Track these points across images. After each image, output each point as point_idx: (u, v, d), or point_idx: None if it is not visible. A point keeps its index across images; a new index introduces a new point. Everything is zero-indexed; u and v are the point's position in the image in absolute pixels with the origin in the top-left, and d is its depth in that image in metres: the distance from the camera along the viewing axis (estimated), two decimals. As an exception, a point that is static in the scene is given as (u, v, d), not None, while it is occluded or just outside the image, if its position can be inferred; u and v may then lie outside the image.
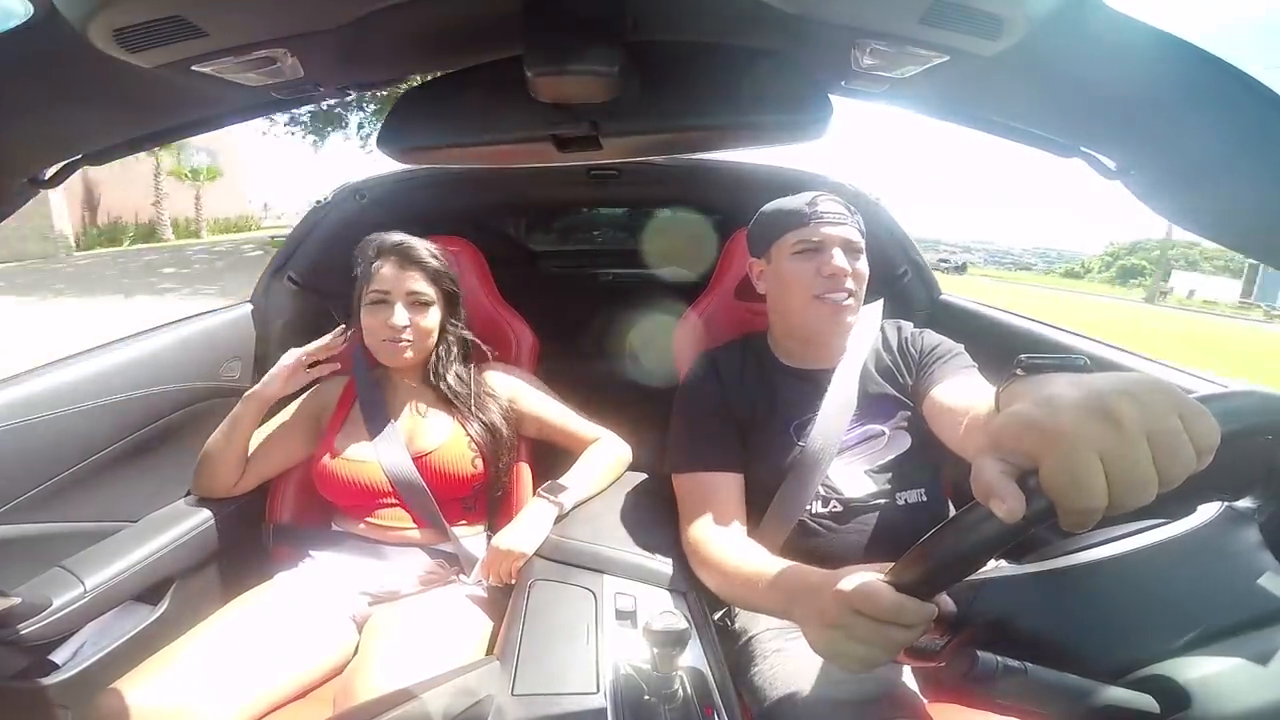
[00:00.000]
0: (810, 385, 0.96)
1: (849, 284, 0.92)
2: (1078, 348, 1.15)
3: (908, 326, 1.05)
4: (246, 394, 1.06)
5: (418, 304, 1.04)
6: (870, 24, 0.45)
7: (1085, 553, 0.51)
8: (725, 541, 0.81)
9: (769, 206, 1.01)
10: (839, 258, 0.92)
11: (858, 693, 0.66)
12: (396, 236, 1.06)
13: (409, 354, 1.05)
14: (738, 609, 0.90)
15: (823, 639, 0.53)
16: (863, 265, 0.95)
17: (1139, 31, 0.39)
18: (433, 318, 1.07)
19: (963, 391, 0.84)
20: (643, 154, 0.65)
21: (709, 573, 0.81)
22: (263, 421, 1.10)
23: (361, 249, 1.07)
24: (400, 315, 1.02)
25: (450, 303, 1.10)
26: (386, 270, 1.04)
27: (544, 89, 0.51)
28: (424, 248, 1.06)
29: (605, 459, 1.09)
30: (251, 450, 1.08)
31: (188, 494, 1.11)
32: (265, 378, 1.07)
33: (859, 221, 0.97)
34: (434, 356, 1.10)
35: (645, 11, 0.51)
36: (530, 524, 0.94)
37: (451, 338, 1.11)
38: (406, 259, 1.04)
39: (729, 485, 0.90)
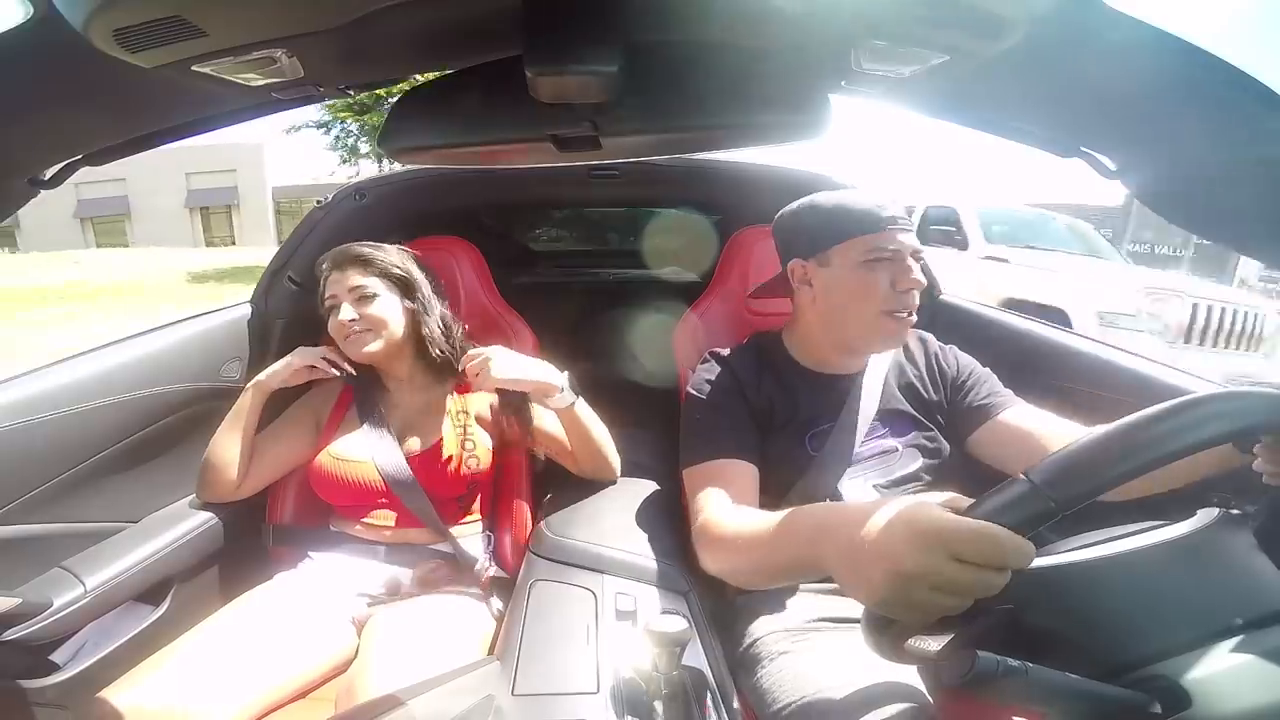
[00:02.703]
0: (831, 392, 0.94)
1: (917, 299, 0.88)
2: (1077, 348, 1.15)
3: (932, 341, 1.03)
4: (250, 384, 1.07)
5: (362, 298, 1.05)
6: (870, 24, 0.45)
7: (1086, 551, 0.51)
8: (738, 516, 0.76)
9: (824, 202, 0.92)
10: (915, 270, 0.86)
11: (866, 694, 0.65)
12: (341, 246, 1.09)
13: (369, 346, 1.05)
14: (740, 612, 0.89)
15: (879, 582, 0.45)
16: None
17: (1139, 31, 0.39)
18: (383, 306, 1.06)
19: (1033, 421, 0.89)
20: (643, 154, 0.65)
21: (720, 550, 0.74)
22: (262, 425, 1.10)
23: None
24: (346, 311, 1.04)
25: (406, 289, 1.09)
26: (330, 278, 1.07)
27: (544, 89, 0.51)
28: (363, 245, 1.08)
29: (605, 433, 1.08)
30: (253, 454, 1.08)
31: (188, 494, 1.11)
32: (271, 368, 1.07)
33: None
34: (422, 340, 1.09)
35: (645, 11, 0.51)
36: (531, 361, 1.00)
37: (428, 319, 1.08)
38: (343, 261, 1.07)
39: (744, 471, 0.86)
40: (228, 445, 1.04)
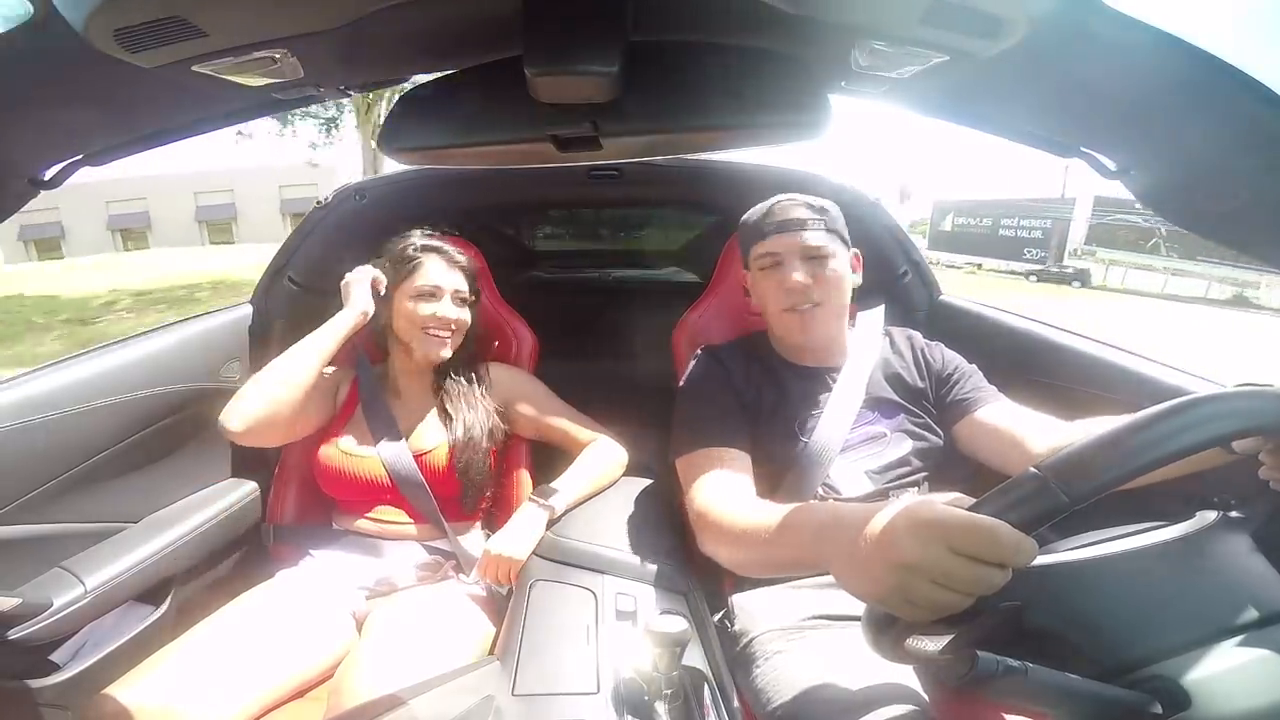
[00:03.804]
0: (816, 382, 0.96)
1: (814, 295, 0.91)
2: (1075, 346, 1.15)
3: (918, 337, 1.06)
4: (353, 311, 1.05)
5: (461, 302, 1.09)
6: (870, 24, 0.45)
7: (1086, 550, 0.51)
8: (735, 503, 0.77)
9: (745, 218, 1.00)
10: (798, 271, 0.91)
11: (862, 693, 0.66)
12: (436, 238, 1.11)
13: (447, 349, 1.08)
14: (737, 611, 0.90)
15: (879, 576, 0.45)
16: (833, 267, 0.92)
17: (1139, 31, 0.39)
18: (468, 317, 1.11)
19: (1009, 418, 0.91)
20: (643, 154, 0.65)
21: (720, 537, 0.75)
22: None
23: (398, 245, 1.10)
24: (449, 309, 1.06)
25: (475, 306, 1.14)
26: (435, 267, 1.08)
27: (544, 89, 0.51)
28: (461, 251, 1.12)
29: (601, 462, 1.08)
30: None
31: (188, 494, 1.11)
32: (352, 301, 1.07)
33: (829, 220, 0.94)
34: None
35: (645, 11, 0.51)
36: (522, 528, 0.94)
37: (469, 337, 1.14)
38: (452, 260, 1.09)
39: (736, 457, 0.88)
40: (301, 372, 1.00)
